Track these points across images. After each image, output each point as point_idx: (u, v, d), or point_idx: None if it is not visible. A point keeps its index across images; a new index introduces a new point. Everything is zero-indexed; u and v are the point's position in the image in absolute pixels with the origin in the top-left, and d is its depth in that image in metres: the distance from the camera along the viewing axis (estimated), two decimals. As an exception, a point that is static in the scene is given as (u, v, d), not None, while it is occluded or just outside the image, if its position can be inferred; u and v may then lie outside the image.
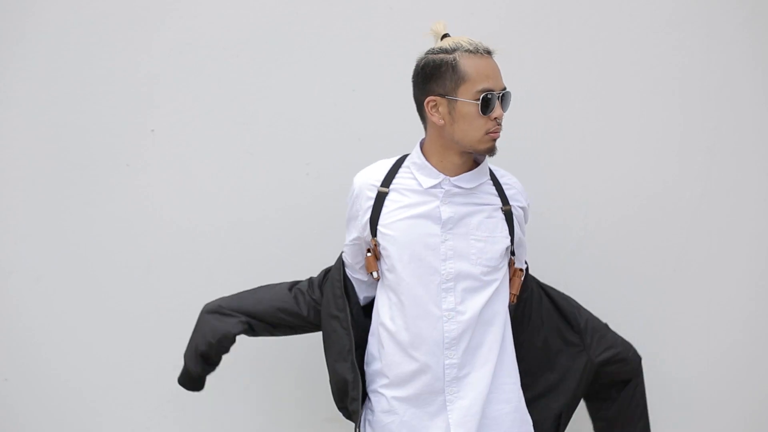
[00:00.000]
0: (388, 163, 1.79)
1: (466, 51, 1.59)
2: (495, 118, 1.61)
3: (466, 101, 1.59)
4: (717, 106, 2.47)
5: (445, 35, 1.67)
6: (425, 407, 1.70)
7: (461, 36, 1.64)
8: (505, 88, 1.65)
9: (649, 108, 2.46)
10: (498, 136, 1.65)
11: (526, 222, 1.86)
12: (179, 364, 2.19)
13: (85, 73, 2.51)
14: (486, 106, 1.59)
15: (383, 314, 1.76)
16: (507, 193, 1.77)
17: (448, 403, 1.68)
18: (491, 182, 1.76)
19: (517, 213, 1.77)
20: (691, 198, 2.48)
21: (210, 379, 2.15)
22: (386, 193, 1.72)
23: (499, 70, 1.64)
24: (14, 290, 2.49)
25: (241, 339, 1.99)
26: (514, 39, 2.38)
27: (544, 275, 2.06)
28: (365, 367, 1.83)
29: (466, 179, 1.71)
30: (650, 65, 2.44)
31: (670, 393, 2.53)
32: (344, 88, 2.43)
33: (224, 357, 2.04)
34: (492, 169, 1.80)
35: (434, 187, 1.69)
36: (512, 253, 1.77)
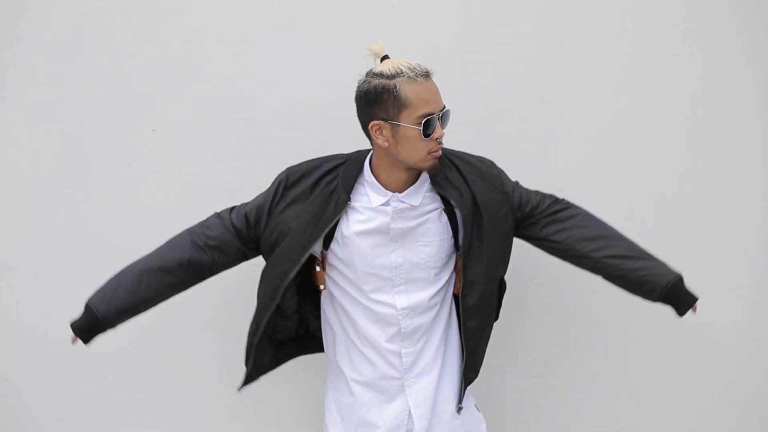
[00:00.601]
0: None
1: (407, 78, 1.66)
2: (436, 139, 1.71)
3: (408, 126, 1.68)
4: (710, 105, 2.46)
5: (385, 57, 1.74)
6: (383, 392, 1.90)
7: (400, 59, 1.70)
8: (444, 107, 1.73)
9: (634, 108, 2.46)
10: (439, 155, 1.75)
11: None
12: (181, 364, 2.19)
13: (86, 72, 2.51)
14: (427, 129, 1.68)
15: (333, 321, 1.97)
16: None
17: (406, 388, 1.89)
18: (430, 187, 1.84)
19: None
20: (684, 197, 2.48)
21: (211, 382, 2.14)
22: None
23: (437, 90, 1.72)
24: (14, 287, 2.50)
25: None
26: (506, 40, 2.38)
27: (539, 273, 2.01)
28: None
29: (412, 195, 1.82)
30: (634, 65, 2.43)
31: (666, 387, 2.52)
32: (346, 88, 2.43)
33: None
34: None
35: (384, 204, 1.81)
36: (458, 248, 1.88)
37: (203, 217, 2.01)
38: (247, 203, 1.95)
